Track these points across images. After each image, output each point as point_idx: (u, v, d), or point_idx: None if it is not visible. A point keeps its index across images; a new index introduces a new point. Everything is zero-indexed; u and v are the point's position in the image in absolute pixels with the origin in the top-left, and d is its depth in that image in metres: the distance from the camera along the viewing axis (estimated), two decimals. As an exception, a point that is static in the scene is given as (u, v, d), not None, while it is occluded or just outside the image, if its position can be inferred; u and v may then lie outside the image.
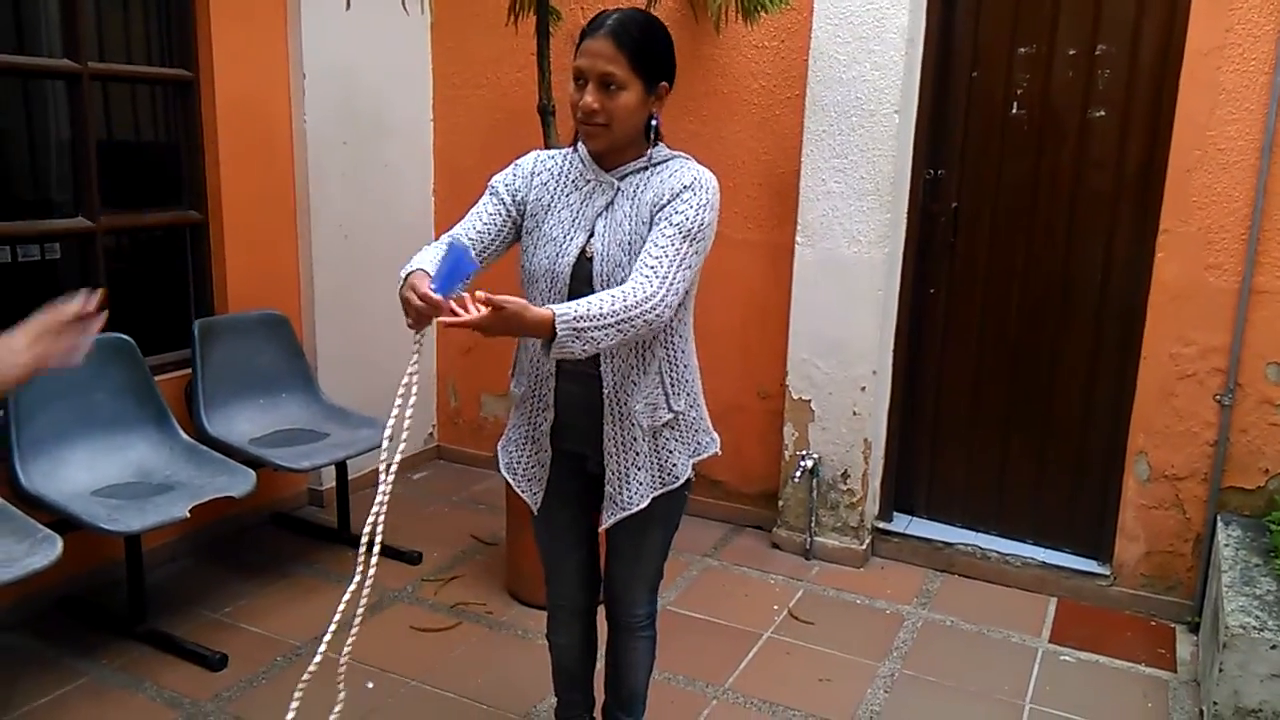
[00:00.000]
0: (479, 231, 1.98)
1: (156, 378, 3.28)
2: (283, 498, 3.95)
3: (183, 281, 3.64)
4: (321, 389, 3.77)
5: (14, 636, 2.99)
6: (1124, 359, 3.33)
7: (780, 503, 3.80)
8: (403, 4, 3.01)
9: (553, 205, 1.97)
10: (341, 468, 3.66)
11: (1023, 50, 3.39)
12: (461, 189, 4.37)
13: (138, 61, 3.46)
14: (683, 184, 1.88)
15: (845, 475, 3.64)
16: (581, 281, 1.92)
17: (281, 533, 3.81)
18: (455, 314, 1.64)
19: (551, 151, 2.04)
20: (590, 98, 1.83)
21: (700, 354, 2.11)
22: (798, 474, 3.64)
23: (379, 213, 4.16)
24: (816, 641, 3.15)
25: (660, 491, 2.03)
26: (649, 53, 1.87)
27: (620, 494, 2.01)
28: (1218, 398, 3.16)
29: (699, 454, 2.09)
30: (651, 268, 1.80)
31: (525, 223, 1.99)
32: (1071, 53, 3.32)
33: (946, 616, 3.34)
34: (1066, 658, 3.11)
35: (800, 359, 3.65)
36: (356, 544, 3.73)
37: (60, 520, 2.71)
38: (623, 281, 1.84)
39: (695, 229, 1.84)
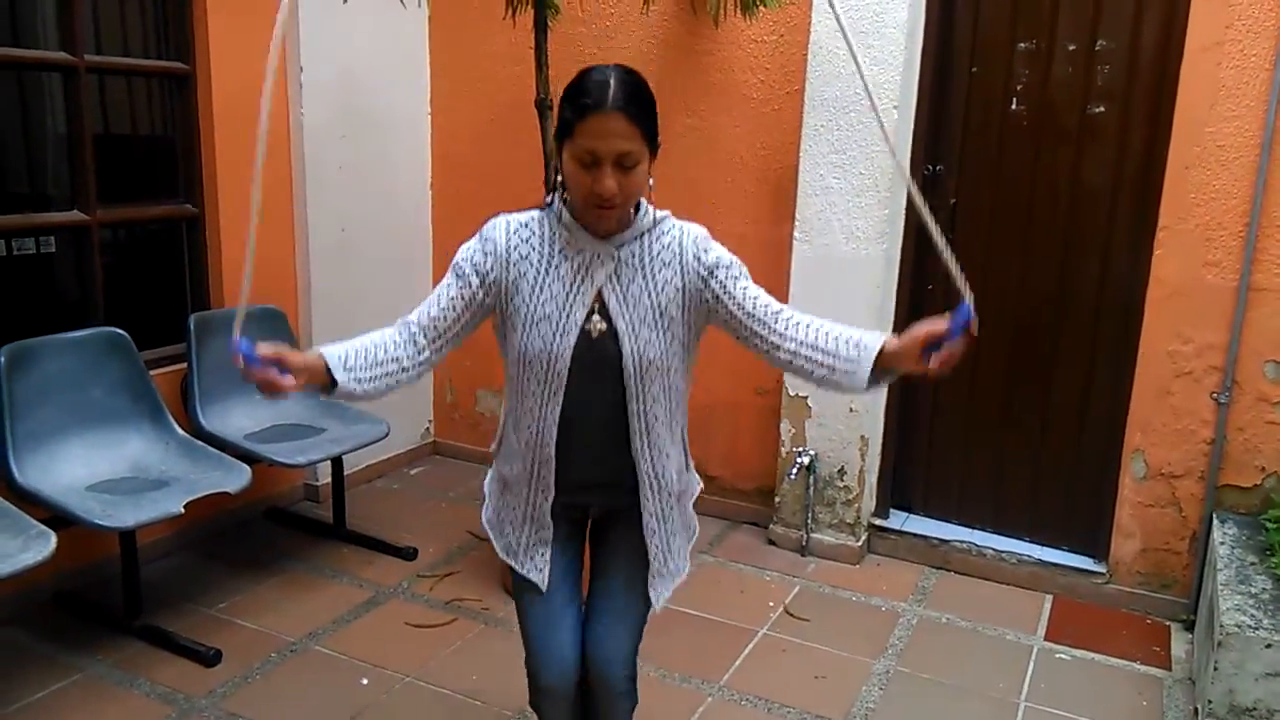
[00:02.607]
0: (432, 318, 1.85)
1: (152, 372, 3.27)
2: (278, 493, 3.94)
3: (179, 275, 3.63)
4: (318, 384, 3.76)
5: (9, 632, 2.99)
6: (1121, 356, 3.32)
7: (776, 499, 3.80)
8: (399, -2, 3.00)
9: (539, 279, 1.81)
10: (337, 463, 3.66)
11: (1022, 46, 3.38)
12: (459, 183, 4.36)
13: (134, 54, 3.44)
14: (700, 246, 1.85)
15: (842, 472, 3.64)
16: (594, 362, 1.80)
17: (277, 528, 3.81)
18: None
19: (523, 217, 1.86)
20: (610, 182, 1.69)
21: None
22: (794, 471, 3.63)
23: (376, 207, 4.15)
24: (812, 638, 3.15)
25: (689, 547, 2.07)
26: (653, 117, 1.74)
27: (667, 565, 1.99)
28: (1215, 396, 3.16)
29: (694, 498, 2.11)
30: (778, 309, 1.85)
31: (507, 305, 1.84)
32: (1071, 48, 3.31)
33: (942, 614, 3.34)
34: (1062, 655, 3.11)
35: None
36: (352, 540, 3.77)
37: (55, 516, 2.70)
38: (656, 356, 1.81)
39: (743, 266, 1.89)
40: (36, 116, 3.28)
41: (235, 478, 3.01)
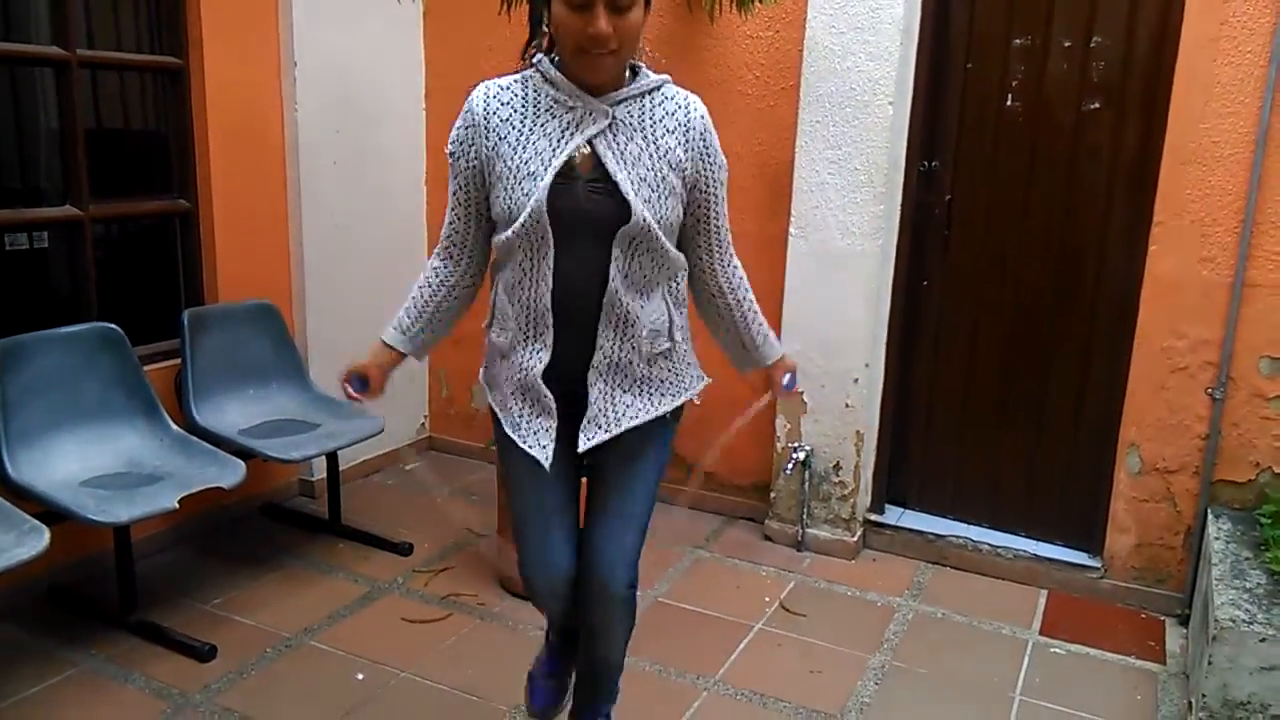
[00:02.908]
0: (456, 227, 1.85)
1: (146, 368, 3.26)
2: (273, 488, 3.93)
3: (172, 271, 3.62)
4: (312, 379, 3.76)
5: (3, 627, 2.98)
6: (1116, 351, 3.33)
7: (772, 495, 3.80)
8: (394, -8, 2.99)
9: (521, 139, 1.73)
10: (332, 458, 3.65)
11: (1018, 42, 3.38)
12: (454, 178, 4.35)
13: (127, 49, 3.43)
14: (707, 125, 1.87)
15: (837, 467, 3.64)
16: (582, 221, 1.73)
17: (272, 524, 3.80)
18: None
19: (504, 80, 1.79)
20: (604, 23, 1.63)
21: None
22: (790, 466, 3.63)
23: (371, 202, 4.14)
24: (807, 633, 3.15)
25: (645, 420, 1.91)
26: None
27: (604, 414, 1.86)
28: (1209, 391, 3.16)
29: (691, 389, 2.02)
30: (725, 248, 1.98)
31: (491, 171, 1.76)
32: (1067, 45, 3.31)
33: (937, 608, 3.34)
34: (1056, 650, 3.11)
35: (793, 351, 3.60)
36: (347, 535, 3.76)
37: (49, 511, 2.69)
38: (655, 217, 1.76)
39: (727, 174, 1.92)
40: (29, 111, 3.27)
41: (230, 473, 3.00)
